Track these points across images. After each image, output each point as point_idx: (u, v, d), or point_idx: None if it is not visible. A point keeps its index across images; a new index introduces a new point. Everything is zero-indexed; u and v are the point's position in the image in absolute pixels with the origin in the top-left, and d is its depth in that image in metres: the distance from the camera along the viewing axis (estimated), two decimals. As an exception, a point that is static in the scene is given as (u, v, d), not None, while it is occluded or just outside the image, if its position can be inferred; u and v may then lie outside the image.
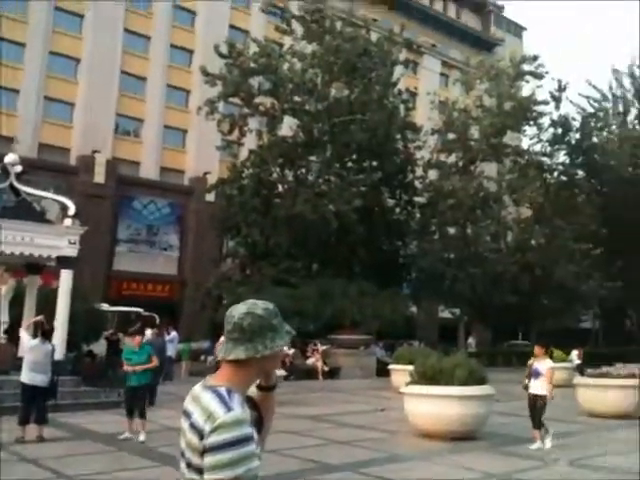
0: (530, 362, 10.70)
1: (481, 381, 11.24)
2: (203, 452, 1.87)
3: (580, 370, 19.98)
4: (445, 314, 38.81)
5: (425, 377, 11.08)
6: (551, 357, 20.84)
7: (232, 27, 39.61)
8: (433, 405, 10.62)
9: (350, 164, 30.55)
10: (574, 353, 22.57)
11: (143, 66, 37.99)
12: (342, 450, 9.99)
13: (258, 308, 2.04)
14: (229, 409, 1.88)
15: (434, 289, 31.71)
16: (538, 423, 10.20)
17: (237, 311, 2.04)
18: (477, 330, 39.84)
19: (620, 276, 37.21)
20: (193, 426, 1.93)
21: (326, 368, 24.12)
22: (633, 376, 14.10)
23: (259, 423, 2.07)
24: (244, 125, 29.99)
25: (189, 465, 1.94)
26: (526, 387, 10.54)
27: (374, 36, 32.56)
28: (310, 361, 24.81)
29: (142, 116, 37.98)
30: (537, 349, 10.79)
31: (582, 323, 45.95)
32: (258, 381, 2.15)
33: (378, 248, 31.65)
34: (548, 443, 10.04)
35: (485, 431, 11.09)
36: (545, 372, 10.28)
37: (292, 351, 22.52)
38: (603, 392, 13.70)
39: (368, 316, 26.49)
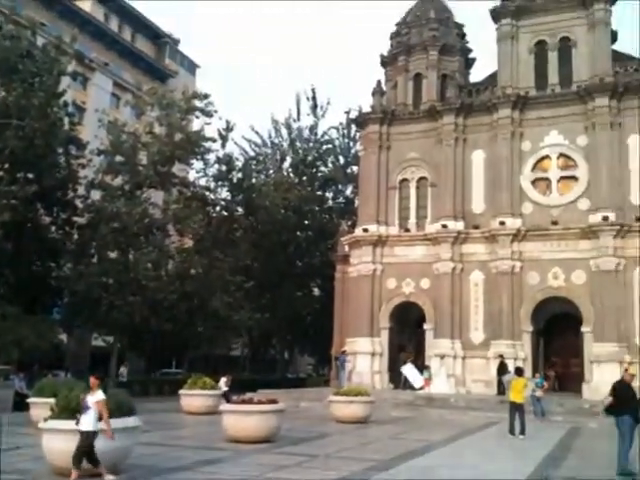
0: (82, 395, 9.90)
1: (129, 412, 10.81)
2: None
3: (226, 397, 20.87)
4: (99, 342, 37.07)
5: (68, 411, 10.18)
6: (203, 385, 21.57)
7: None
8: (74, 441, 9.78)
9: (1, 173, 27.36)
10: (222, 380, 23.48)
11: None
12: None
13: None
14: None
15: (88, 315, 30.04)
16: (93, 460, 9.57)
17: None
18: (131, 359, 38.93)
19: (268, 308, 40.47)
20: None
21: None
22: (274, 402, 15.19)
23: None
24: None
25: None
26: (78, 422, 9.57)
27: (41, 41, 30.16)
28: None
29: None
30: (92, 380, 9.93)
31: (232, 351, 48.55)
32: None
33: (27, 268, 28.85)
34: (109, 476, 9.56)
35: (129, 463, 10.65)
36: (94, 405, 9.62)
37: None
38: (246, 418, 14.41)
39: (8, 343, 23.76)
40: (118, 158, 32.81)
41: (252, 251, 38.88)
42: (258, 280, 37.99)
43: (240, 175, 40.77)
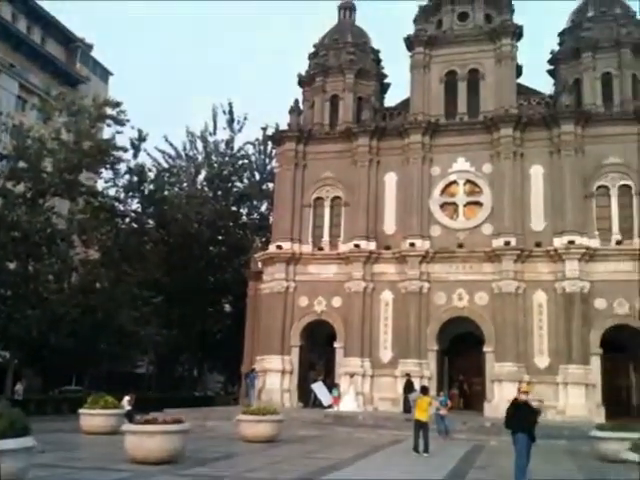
0: None
1: (23, 432, 10.17)
2: None
3: (130, 416, 20.12)
4: (-7, 358, 34.87)
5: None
6: (105, 404, 20.68)
7: None
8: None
9: None
10: (126, 399, 22.64)
11: None
12: None
13: None
14: None
15: (-19, 329, 28.27)
16: None
17: None
18: (28, 375, 36.85)
19: (177, 324, 39.54)
20: None
21: None
22: (179, 421, 14.77)
23: None
24: None
25: None
26: None
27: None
28: None
29: None
30: None
31: (138, 368, 47.00)
32: None
33: None
34: None
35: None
36: None
37: None
38: (149, 438, 13.92)
39: None
40: (21, 164, 31.27)
41: (162, 265, 37.99)
42: (168, 295, 37.14)
43: (152, 187, 39.87)
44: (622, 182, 28.38)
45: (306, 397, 30.01)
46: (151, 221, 40.61)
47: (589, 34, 30.68)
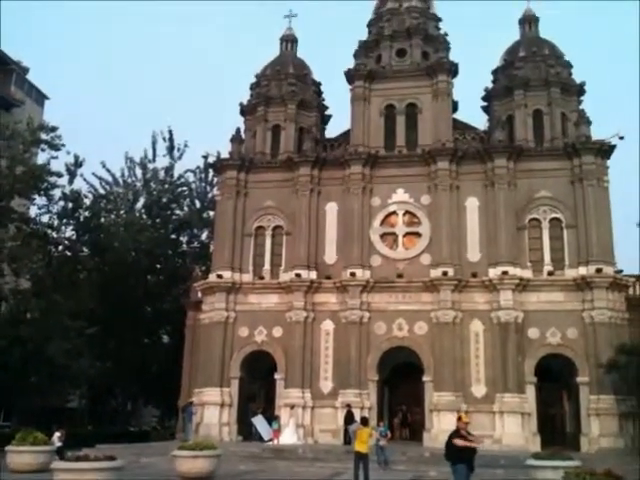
0: None
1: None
2: None
3: (60, 453, 19.26)
4: None
5: None
6: (34, 440, 19.72)
7: None
8: None
9: None
10: (56, 435, 21.72)
11: None
12: None
13: None
14: None
15: None
16: None
17: None
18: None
19: (112, 355, 38.30)
20: None
21: None
22: (111, 458, 14.25)
23: None
24: None
25: None
26: None
27: None
28: None
29: None
30: None
31: (69, 402, 45.10)
32: None
33: None
34: None
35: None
36: None
37: None
38: (81, 476, 13.37)
39: None
40: None
41: (97, 294, 36.83)
42: (103, 325, 35.98)
43: (88, 213, 38.91)
44: (553, 215, 29.49)
45: (246, 430, 29.49)
46: (86, 249, 39.49)
47: (521, 73, 32.05)
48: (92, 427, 38.35)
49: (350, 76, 32.95)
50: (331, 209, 31.53)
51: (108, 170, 44.52)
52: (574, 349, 27.50)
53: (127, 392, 44.55)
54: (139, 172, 45.29)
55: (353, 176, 31.13)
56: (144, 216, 44.25)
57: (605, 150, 29.59)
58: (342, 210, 31.18)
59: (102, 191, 43.92)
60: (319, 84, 35.97)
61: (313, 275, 30.23)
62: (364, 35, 35.16)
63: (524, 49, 33.16)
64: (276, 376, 29.75)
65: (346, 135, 33.13)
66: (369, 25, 35.74)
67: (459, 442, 12.11)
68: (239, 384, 30.16)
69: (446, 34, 33.84)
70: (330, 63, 36.67)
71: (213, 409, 29.24)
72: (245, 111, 34.90)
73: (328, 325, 29.84)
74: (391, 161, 31.55)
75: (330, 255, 30.90)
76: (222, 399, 29.41)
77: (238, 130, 34.02)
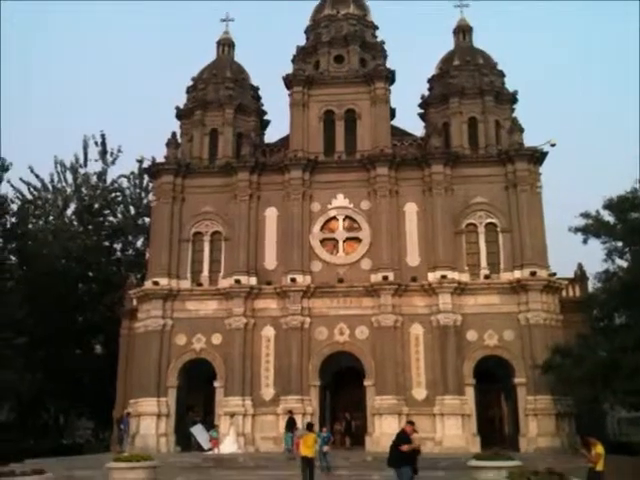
0: None
1: None
2: None
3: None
4: None
5: None
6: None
7: None
8: None
9: None
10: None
11: None
12: None
13: None
14: None
15: None
16: None
17: None
18: None
19: (42, 367, 36.66)
20: None
21: None
22: (40, 472, 13.56)
23: None
24: None
25: None
26: None
27: None
28: None
29: None
30: None
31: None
32: None
33: None
34: None
35: None
36: None
37: None
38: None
39: None
40: None
41: (25, 304, 35.17)
42: (31, 336, 34.39)
43: (14, 220, 37.21)
44: (488, 220, 30.17)
45: (184, 441, 28.72)
46: (13, 257, 37.74)
47: (456, 81, 32.75)
48: (21, 442, 36.51)
49: (288, 81, 32.84)
50: (271, 214, 31.25)
51: (36, 175, 42.91)
52: (511, 351, 28.14)
53: (59, 404, 42.73)
54: (70, 177, 43.78)
55: (293, 181, 30.97)
56: (75, 222, 42.73)
57: (537, 157, 30.57)
58: (282, 215, 30.94)
59: (30, 197, 42.19)
60: (257, 89, 35.69)
61: (253, 281, 29.83)
62: (302, 41, 35.21)
63: (459, 58, 33.91)
64: (215, 384, 29.13)
65: (285, 140, 32.96)
66: (307, 31, 35.81)
67: (405, 448, 12.11)
68: (177, 393, 29.38)
69: (383, 42, 34.29)
70: (268, 68, 36.48)
71: (150, 420, 28.36)
72: (181, 115, 34.22)
73: (269, 331, 29.48)
74: (331, 166, 31.57)
75: (270, 261, 30.59)
76: (159, 409, 28.57)
77: (174, 134, 33.31)
